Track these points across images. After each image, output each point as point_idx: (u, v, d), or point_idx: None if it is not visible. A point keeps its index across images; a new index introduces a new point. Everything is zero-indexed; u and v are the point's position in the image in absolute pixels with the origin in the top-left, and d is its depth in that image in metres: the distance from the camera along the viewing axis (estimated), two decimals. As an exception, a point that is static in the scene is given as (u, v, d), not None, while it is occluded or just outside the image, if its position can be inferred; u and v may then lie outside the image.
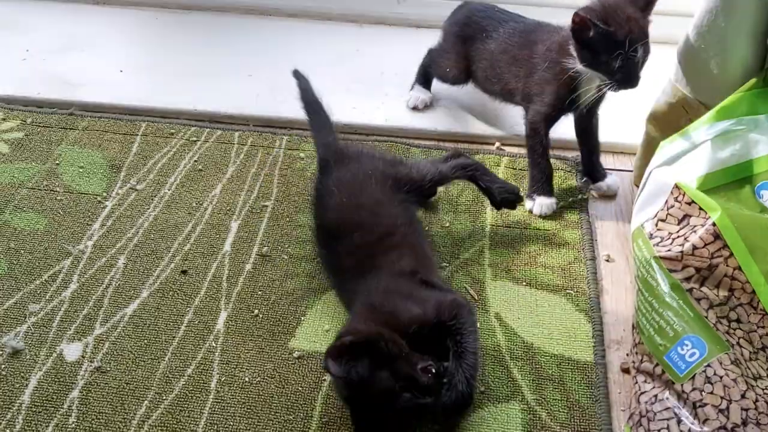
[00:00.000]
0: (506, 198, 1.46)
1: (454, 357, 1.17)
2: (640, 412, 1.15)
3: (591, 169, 1.60)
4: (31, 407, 1.21)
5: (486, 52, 1.63)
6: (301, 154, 1.68)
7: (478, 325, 1.33)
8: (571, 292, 1.39)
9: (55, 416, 1.20)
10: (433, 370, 1.12)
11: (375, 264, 1.27)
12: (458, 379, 1.15)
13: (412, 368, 1.11)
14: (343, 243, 1.31)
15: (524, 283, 1.40)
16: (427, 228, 1.51)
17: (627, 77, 1.40)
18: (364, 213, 1.32)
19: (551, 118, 1.53)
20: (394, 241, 1.29)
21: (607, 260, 1.46)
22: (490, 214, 1.54)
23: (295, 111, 1.77)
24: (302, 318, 1.35)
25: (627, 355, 1.29)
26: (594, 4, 1.41)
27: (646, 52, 1.40)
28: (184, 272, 1.42)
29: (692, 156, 1.28)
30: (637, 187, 1.46)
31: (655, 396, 1.14)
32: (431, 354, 1.17)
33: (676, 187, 1.25)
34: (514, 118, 1.72)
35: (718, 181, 1.25)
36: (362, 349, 1.11)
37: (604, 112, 1.56)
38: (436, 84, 1.83)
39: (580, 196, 1.58)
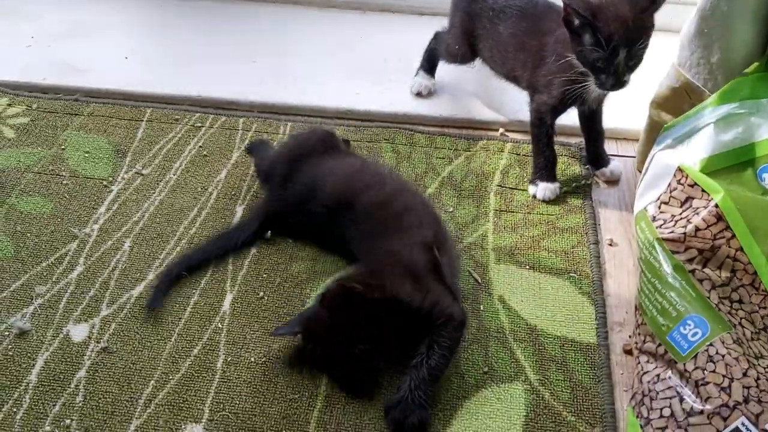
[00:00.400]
0: None
1: (414, 374, 1.17)
2: (642, 391, 1.16)
3: (594, 156, 1.61)
4: (38, 386, 1.22)
5: (494, 31, 1.59)
6: (306, 140, 1.68)
7: (482, 307, 1.34)
8: (575, 275, 1.40)
9: (62, 395, 1.21)
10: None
11: (395, 227, 1.31)
12: (408, 404, 1.15)
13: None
14: (354, 209, 1.37)
15: (528, 267, 1.41)
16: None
17: (607, 78, 1.38)
18: (375, 178, 1.40)
19: (557, 111, 1.52)
20: (414, 213, 1.33)
21: (610, 244, 1.46)
22: (493, 199, 1.55)
23: (298, 97, 1.80)
24: (307, 300, 1.35)
25: (629, 336, 1.30)
26: None
27: (634, 55, 1.36)
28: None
29: (695, 139, 1.29)
30: (640, 172, 1.46)
31: (658, 375, 1.15)
32: (404, 344, 1.19)
33: (679, 169, 1.26)
34: (518, 104, 1.73)
35: (721, 163, 1.26)
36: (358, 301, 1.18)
37: (607, 98, 1.56)
38: (441, 70, 1.84)
39: (583, 182, 1.59)
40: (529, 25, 1.54)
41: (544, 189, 1.53)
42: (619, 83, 1.39)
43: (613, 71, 1.36)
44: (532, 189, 1.55)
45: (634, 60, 1.36)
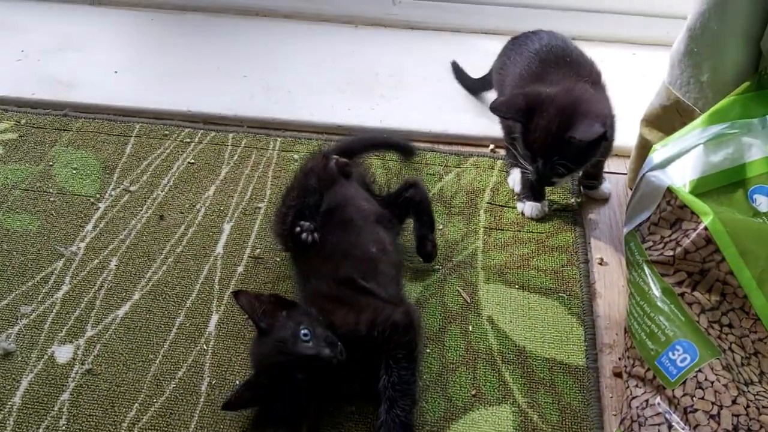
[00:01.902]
0: (426, 252, 1.42)
1: (384, 397, 1.15)
2: (631, 416, 1.15)
3: (587, 176, 1.59)
4: (22, 409, 1.21)
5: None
6: (295, 156, 1.67)
7: (470, 327, 1.33)
8: (564, 295, 1.38)
9: (46, 419, 1.19)
10: (339, 347, 1.13)
11: (317, 273, 1.29)
12: (389, 425, 1.13)
13: (322, 330, 1.15)
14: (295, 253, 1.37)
15: (517, 286, 1.40)
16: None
17: (533, 173, 1.39)
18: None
19: None
20: (326, 253, 1.30)
21: (600, 263, 1.45)
22: (483, 217, 1.54)
23: (289, 112, 1.79)
24: (294, 321, 1.34)
25: (619, 359, 1.29)
26: (541, 92, 1.36)
27: (557, 168, 1.36)
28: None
29: (685, 160, 1.28)
30: (632, 190, 1.45)
31: (647, 401, 1.14)
32: (370, 366, 1.18)
33: (669, 190, 1.25)
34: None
35: (711, 185, 1.24)
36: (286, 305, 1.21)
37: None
38: (431, 86, 1.83)
39: (573, 200, 1.58)
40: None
41: (531, 207, 1.52)
42: (541, 182, 1.42)
43: (536, 170, 1.38)
44: (519, 206, 1.54)
45: (558, 171, 1.36)
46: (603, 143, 1.36)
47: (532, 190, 1.52)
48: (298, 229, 1.30)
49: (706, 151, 1.26)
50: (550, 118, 1.32)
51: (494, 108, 1.38)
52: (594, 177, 1.57)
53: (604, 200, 1.60)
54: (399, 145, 1.59)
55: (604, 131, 1.30)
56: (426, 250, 1.41)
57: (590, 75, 1.46)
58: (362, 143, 1.57)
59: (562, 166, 1.35)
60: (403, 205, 1.44)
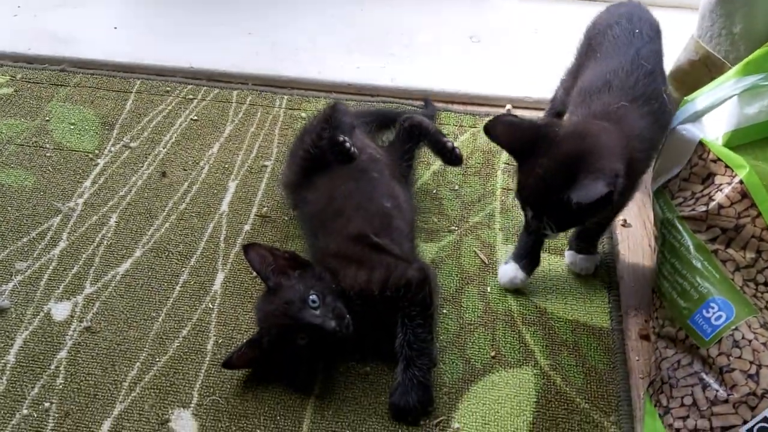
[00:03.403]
0: (453, 154, 1.34)
1: (401, 356, 1.10)
2: (661, 378, 1.09)
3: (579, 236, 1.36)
4: (16, 367, 1.14)
5: None
6: (303, 114, 1.60)
7: (488, 288, 1.27)
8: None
9: (42, 377, 1.13)
10: (347, 321, 1.07)
11: (326, 229, 1.22)
12: (405, 386, 1.09)
13: (333, 299, 1.09)
14: (303, 207, 1.30)
15: (537, 247, 1.34)
16: (434, 191, 1.44)
17: (526, 222, 1.13)
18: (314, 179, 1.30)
19: None
20: (337, 206, 1.23)
21: (624, 225, 1.39)
22: (501, 177, 1.47)
23: (296, 70, 1.72)
24: (304, 280, 1.28)
25: (646, 321, 1.23)
26: (550, 129, 1.08)
27: (546, 223, 1.08)
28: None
29: (718, 112, 1.21)
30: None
31: (678, 362, 1.08)
32: (385, 325, 1.12)
33: (701, 144, 1.18)
34: (526, 79, 1.66)
35: (746, 137, 1.18)
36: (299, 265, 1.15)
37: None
38: (445, 43, 1.76)
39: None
40: None
41: (505, 272, 1.26)
42: (532, 232, 1.14)
43: (525, 219, 1.12)
44: (500, 270, 1.29)
45: (548, 225, 1.08)
46: (609, 204, 1.04)
47: (525, 250, 1.25)
48: (341, 138, 1.23)
49: (740, 102, 1.19)
50: (550, 168, 1.04)
51: (487, 128, 1.10)
52: (588, 240, 1.29)
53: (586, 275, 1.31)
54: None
55: (609, 192, 0.98)
56: (450, 154, 1.34)
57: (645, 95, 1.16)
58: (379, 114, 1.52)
59: (553, 226, 1.08)
60: (407, 134, 1.38)
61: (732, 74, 1.23)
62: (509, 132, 1.09)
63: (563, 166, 1.03)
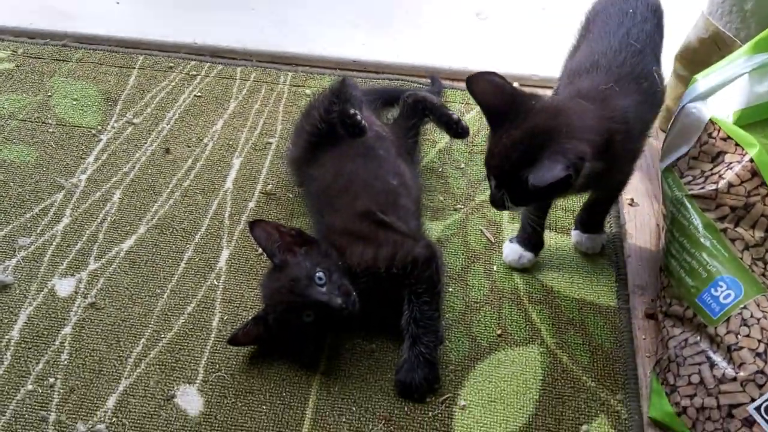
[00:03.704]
0: (459, 126, 1.31)
1: (407, 333, 1.10)
2: (668, 357, 1.08)
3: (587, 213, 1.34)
4: (21, 343, 1.14)
5: None
6: (307, 91, 1.59)
7: (494, 267, 1.26)
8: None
9: (46, 353, 1.12)
10: (353, 298, 1.07)
11: (333, 206, 1.21)
12: (412, 363, 1.08)
13: (339, 276, 1.08)
14: (309, 184, 1.29)
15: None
16: (440, 169, 1.43)
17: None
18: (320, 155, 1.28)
19: None
20: (343, 183, 1.23)
21: (631, 204, 1.38)
22: (506, 155, 1.46)
23: (301, 46, 1.70)
24: (309, 258, 1.27)
25: (652, 300, 1.22)
26: (529, 100, 1.04)
27: (509, 196, 1.04)
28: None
29: (728, 90, 1.20)
30: (664, 131, 1.38)
31: (686, 340, 1.08)
32: (391, 302, 1.12)
33: (711, 122, 1.17)
34: (534, 58, 1.64)
35: (757, 116, 1.17)
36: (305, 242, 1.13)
37: None
38: (451, 20, 1.74)
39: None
40: None
41: (510, 251, 1.26)
42: (493, 203, 1.09)
43: (490, 188, 1.09)
44: (504, 248, 1.29)
45: (506, 198, 1.05)
46: (568, 188, 1.02)
47: (527, 231, 1.24)
48: (352, 110, 1.21)
49: (751, 80, 1.18)
50: (515, 141, 1.00)
51: (469, 81, 1.04)
52: (593, 219, 1.28)
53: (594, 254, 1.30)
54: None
55: (567, 175, 0.95)
56: (456, 126, 1.31)
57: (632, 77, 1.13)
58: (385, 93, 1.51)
59: (509, 200, 1.05)
60: (411, 110, 1.37)
61: (742, 52, 1.22)
62: (490, 91, 1.04)
63: (528, 141, 0.99)
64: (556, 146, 0.97)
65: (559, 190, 1.03)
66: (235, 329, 1.11)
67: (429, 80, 1.60)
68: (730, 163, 1.13)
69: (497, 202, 1.07)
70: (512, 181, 1.01)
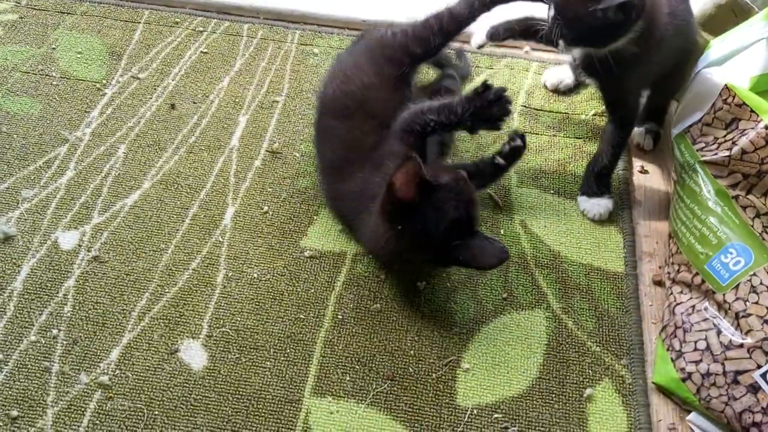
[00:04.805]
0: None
1: None
2: (675, 323, 1.08)
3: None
4: (24, 294, 1.13)
5: None
6: (315, 50, 1.56)
7: (502, 231, 1.25)
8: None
9: (49, 304, 1.12)
10: None
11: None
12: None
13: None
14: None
15: (552, 191, 1.32)
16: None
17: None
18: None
19: None
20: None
21: (641, 171, 1.36)
22: (516, 119, 1.44)
23: (308, 4, 1.67)
24: (314, 217, 1.26)
25: (660, 267, 1.21)
26: None
27: (558, 31, 1.14)
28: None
29: (745, 55, 1.18)
30: (676, 100, 1.36)
31: (693, 307, 1.07)
32: None
33: (726, 88, 1.15)
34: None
35: (773, 83, 1.15)
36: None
37: None
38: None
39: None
40: None
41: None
42: (547, 37, 1.19)
43: (548, 21, 1.16)
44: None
45: (567, 38, 1.14)
46: (630, 23, 1.10)
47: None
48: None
49: (768, 47, 1.16)
50: None
51: None
52: (599, 178, 1.28)
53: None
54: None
55: (622, 19, 1.08)
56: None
57: None
58: None
59: (565, 35, 1.13)
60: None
61: (760, 18, 1.20)
62: None
63: None
64: None
65: (613, 33, 1.11)
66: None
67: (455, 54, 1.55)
68: (744, 129, 1.11)
69: (549, 36, 1.15)
70: (573, 6, 1.10)
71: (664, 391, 1.06)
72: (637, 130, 1.39)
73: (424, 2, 1.69)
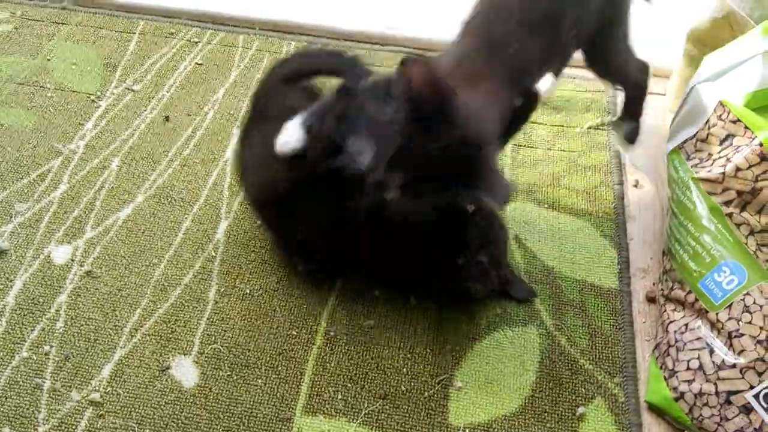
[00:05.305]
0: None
1: None
2: (668, 341, 1.07)
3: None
4: (16, 309, 1.13)
5: None
6: (311, 62, 1.56)
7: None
8: (596, 216, 1.30)
9: (42, 320, 1.12)
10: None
11: None
12: None
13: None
14: None
15: (546, 206, 1.31)
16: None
17: None
18: None
19: None
20: None
21: (635, 186, 1.36)
22: (511, 132, 1.44)
23: (305, 15, 1.67)
24: (308, 231, 1.26)
25: (654, 284, 1.21)
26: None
27: None
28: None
29: (740, 71, 1.17)
30: (672, 112, 1.36)
31: (686, 325, 1.07)
32: None
33: (721, 104, 1.15)
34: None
35: (768, 99, 1.15)
36: None
37: (637, 31, 1.40)
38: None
39: (609, 117, 1.47)
40: None
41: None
42: None
43: None
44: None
45: None
46: None
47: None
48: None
49: (764, 62, 1.15)
50: None
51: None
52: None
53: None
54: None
55: None
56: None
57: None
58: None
59: None
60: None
61: (756, 33, 1.19)
62: None
63: None
64: None
65: None
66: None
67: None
68: (739, 146, 1.11)
69: None
70: None
71: (657, 410, 1.06)
72: (616, 137, 1.39)
73: (415, 13, 1.70)
